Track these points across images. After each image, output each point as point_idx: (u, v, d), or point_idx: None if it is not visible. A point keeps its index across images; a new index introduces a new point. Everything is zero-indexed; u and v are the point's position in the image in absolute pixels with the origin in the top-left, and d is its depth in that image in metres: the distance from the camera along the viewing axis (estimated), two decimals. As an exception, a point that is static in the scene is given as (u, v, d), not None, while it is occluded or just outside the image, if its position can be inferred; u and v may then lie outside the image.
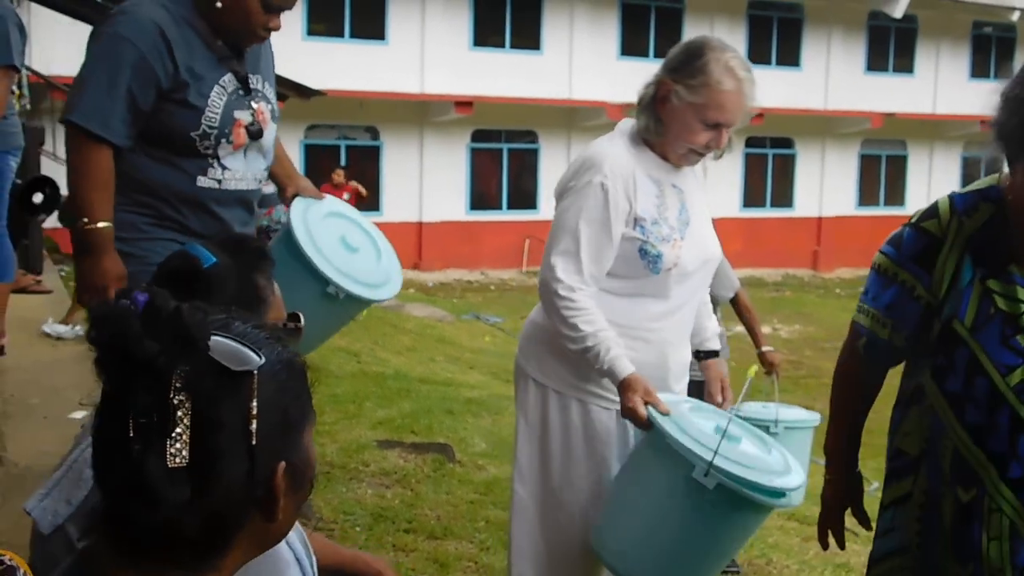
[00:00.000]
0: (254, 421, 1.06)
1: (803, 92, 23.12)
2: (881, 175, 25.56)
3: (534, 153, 21.60)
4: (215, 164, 2.85)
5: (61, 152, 11.83)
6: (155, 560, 1.07)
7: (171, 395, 1.01)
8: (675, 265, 2.72)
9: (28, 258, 6.92)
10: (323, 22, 19.21)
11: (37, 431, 4.02)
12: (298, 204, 3.13)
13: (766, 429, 4.01)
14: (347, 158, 19.50)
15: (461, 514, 4.68)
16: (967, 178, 25.43)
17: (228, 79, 2.86)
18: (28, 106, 4.99)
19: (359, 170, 19.51)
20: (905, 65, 24.85)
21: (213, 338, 1.05)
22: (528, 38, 20.86)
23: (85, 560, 1.11)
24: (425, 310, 13.49)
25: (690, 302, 2.87)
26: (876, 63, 24.52)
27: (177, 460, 1.01)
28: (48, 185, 5.62)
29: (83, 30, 11.74)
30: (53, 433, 3.99)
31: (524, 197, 21.60)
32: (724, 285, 4.76)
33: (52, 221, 7.54)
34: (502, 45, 20.66)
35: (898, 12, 22.99)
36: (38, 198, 5.51)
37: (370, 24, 19.51)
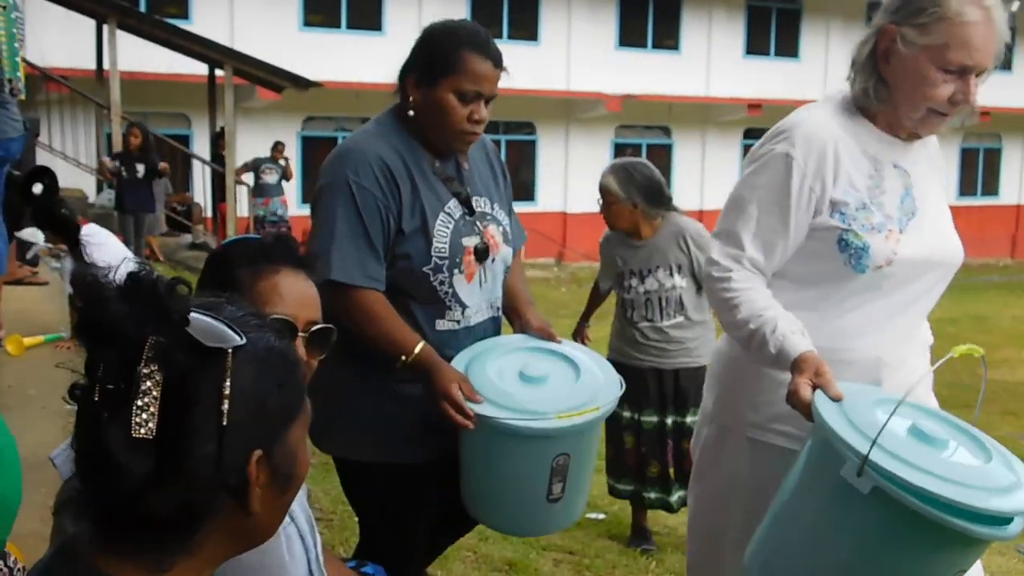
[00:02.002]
0: (226, 402, 1.04)
1: (802, 83, 23.09)
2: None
3: (532, 145, 21.57)
4: (452, 303, 2.64)
5: (57, 144, 11.83)
6: (129, 541, 1.06)
7: (141, 364, 1.00)
8: (889, 262, 2.19)
9: (23, 249, 6.88)
10: (319, 13, 19.15)
11: (35, 421, 3.99)
12: (461, 356, 2.64)
13: None
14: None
15: (462, 505, 4.66)
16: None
17: (452, 205, 2.66)
18: (23, 96, 4.89)
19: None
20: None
21: (192, 314, 1.04)
22: (525, 29, 20.81)
23: (68, 547, 1.10)
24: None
25: (912, 311, 2.31)
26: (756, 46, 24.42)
27: (142, 431, 0.99)
28: (47, 175, 5.58)
29: (76, 21, 11.64)
30: (51, 424, 3.96)
31: (522, 189, 21.56)
32: None
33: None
34: (499, 36, 20.60)
35: (896, 3, 22.98)
36: (38, 188, 5.47)
37: (367, 15, 19.45)
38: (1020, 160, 26.38)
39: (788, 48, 23.55)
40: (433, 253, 2.59)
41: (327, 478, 4.67)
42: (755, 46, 23.15)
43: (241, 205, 14.76)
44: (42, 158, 13.97)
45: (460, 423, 2.46)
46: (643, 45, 21.95)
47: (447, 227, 2.62)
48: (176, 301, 1.03)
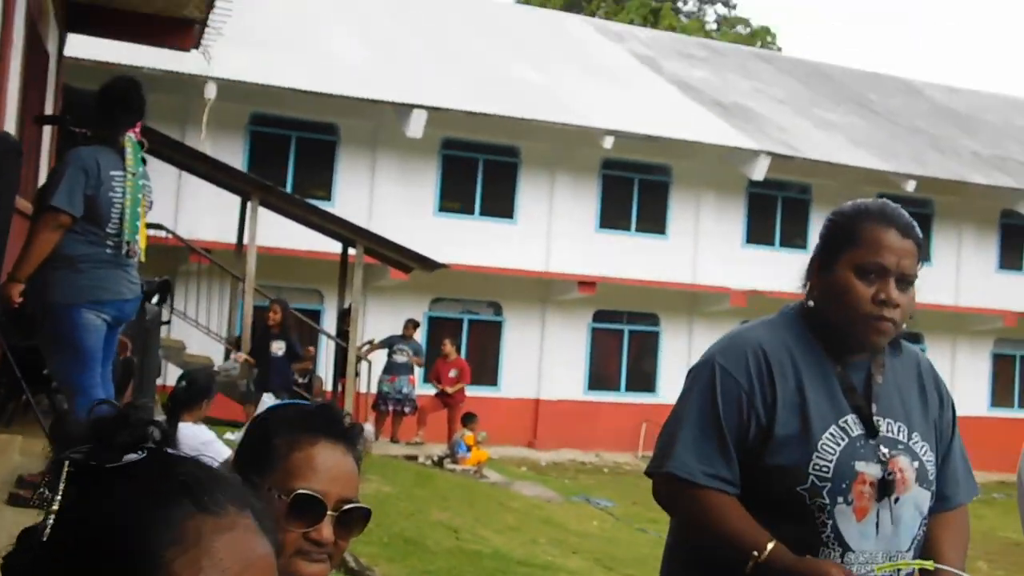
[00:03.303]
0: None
1: (934, 287, 22.62)
2: (1016, 374, 24.58)
3: (655, 336, 21.47)
4: (831, 541, 2.18)
5: (191, 311, 12.26)
6: None
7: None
8: None
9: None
10: (455, 199, 19.76)
11: None
12: None
13: None
14: (469, 332, 19.69)
15: None
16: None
17: (851, 420, 2.23)
18: (141, 259, 5.07)
19: (480, 344, 19.67)
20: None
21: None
22: (654, 222, 21.04)
23: None
24: (534, 489, 13.22)
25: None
26: (1008, 261, 23.93)
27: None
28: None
29: (225, 197, 12.33)
30: None
31: (643, 379, 21.36)
32: None
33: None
34: (628, 229, 20.86)
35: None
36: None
37: (500, 203, 19.97)
38: None
39: (920, 252, 23.16)
40: (812, 470, 2.16)
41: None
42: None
43: (364, 381, 14.97)
44: (176, 326, 14.55)
45: None
46: (771, 243, 21.91)
47: (837, 444, 2.19)
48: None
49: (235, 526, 0.93)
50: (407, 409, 15.12)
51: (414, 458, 13.99)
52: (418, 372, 16.42)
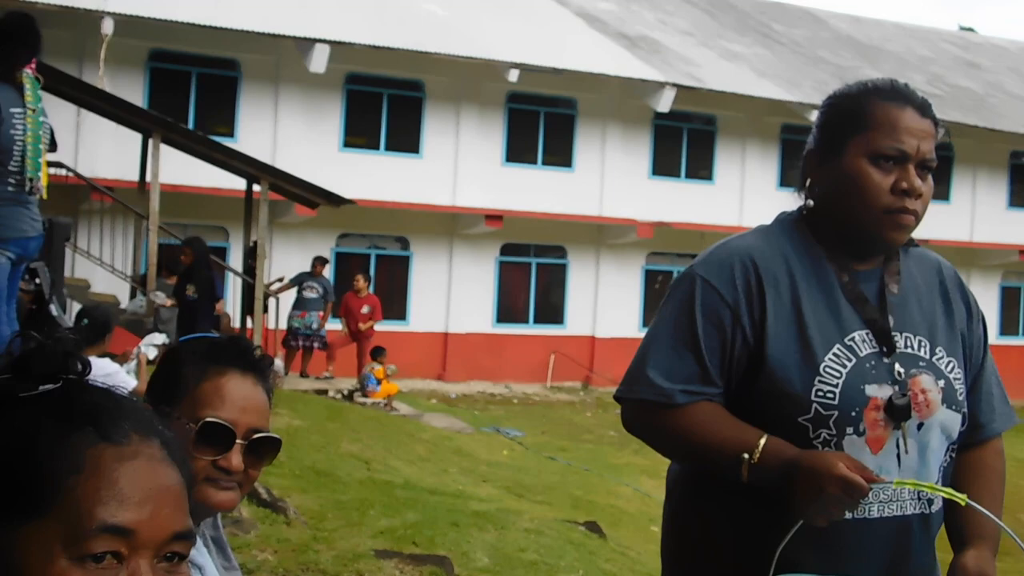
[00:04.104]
0: None
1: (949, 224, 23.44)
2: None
3: (562, 268, 21.71)
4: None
5: (95, 250, 12.18)
6: None
7: None
8: None
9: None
10: (360, 134, 19.61)
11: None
12: None
13: None
14: (377, 267, 19.70)
15: (453, 630, 4.57)
16: None
17: (861, 337, 1.95)
18: (44, 195, 5.04)
19: (388, 279, 19.69)
20: (941, 192, 24.94)
21: None
22: (560, 155, 21.17)
23: None
24: (444, 421, 13.41)
25: None
26: (1019, 199, 24.87)
27: None
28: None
29: (126, 135, 12.13)
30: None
31: (551, 312, 21.63)
32: None
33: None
34: (534, 162, 20.97)
35: (931, 141, 23.22)
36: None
37: (406, 138, 19.89)
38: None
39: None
40: (815, 398, 1.88)
41: None
42: (789, 178, 23.32)
43: (272, 318, 14.93)
44: (80, 264, 14.33)
45: (860, 486, 1.75)
46: (677, 174, 22.22)
47: (842, 365, 1.90)
48: None
49: (138, 455, 0.95)
50: (317, 345, 15.14)
51: (324, 392, 14.06)
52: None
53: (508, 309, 21.25)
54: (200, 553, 1.65)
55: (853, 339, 1.93)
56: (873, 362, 1.93)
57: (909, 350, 1.97)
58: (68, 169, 13.37)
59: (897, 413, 1.89)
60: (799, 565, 1.86)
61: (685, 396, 1.92)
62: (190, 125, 16.80)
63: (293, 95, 18.84)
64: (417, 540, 5.97)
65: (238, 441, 1.67)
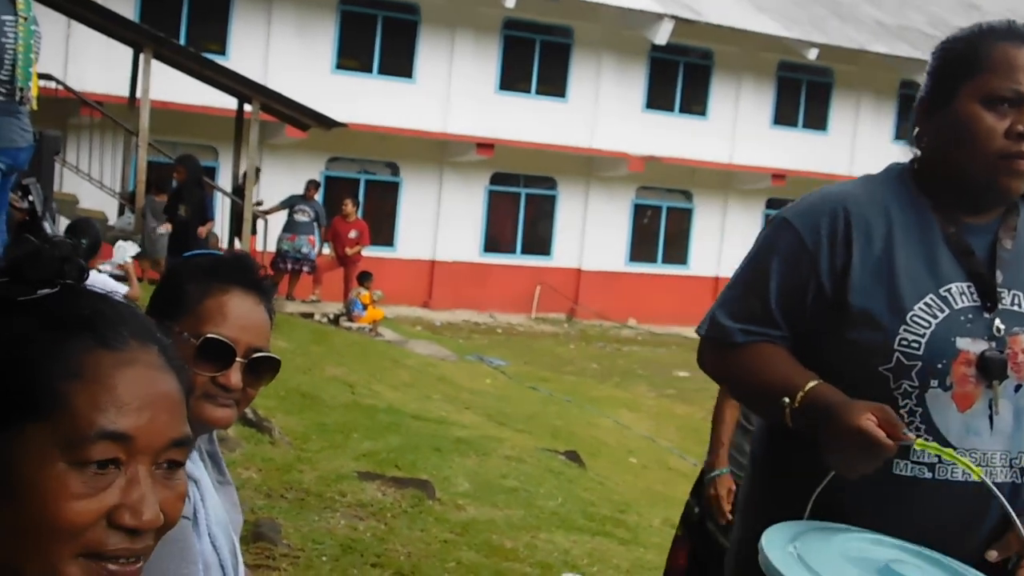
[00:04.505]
0: None
1: (828, 156, 23.20)
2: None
3: (552, 200, 21.70)
4: (922, 436, 1.78)
5: (84, 165, 12.13)
6: None
7: None
8: None
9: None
10: (352, 57, 19.43)
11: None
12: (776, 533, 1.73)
13: None
14: (366, 192, 19.64)
15: (433, 553, 4.68)
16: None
17: (958, 289, 1.85)
18: (34, 106, 4.99)
19: (377, 204, 19.65)
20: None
21: None
22: (554, 85, 21.03)
23: None
24: (429, 348, 13.50)
25: None
26: (905, 131, 24.50)
27: None
28: (90, 234, 5.67)
29: (116, 49, 11.95)
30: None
31: (539, 243, 21.66)
32: None
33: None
34: (528, 91, 20.84)
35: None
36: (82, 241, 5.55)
37: (399, 62, 19.72)
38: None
39: (816, 121, 23.66)
40: (898, 347, 1.81)
41: (299, 515, 4.71)
42: (783, 117, 23.29)
43: (263, 240, 14.92)
44: (68, 179, 14.25)
45: (885, 444, 1.66)
46: (671, 109, 22.12)
47: (933, 316, 1.82)
48: None
49: (136, 361, 0.94)
50: (306, 268, 15.16)
51: (310, 316, 14.12)
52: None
53: (495, 239, 21.27)
54: (196, 466, 1.67)
55: (949, 290, 1.84)
56: (970, 315, 1.83)
57: (1015, 308, 1.86)
58: (57, 82, 13.24)
59: (990, 370, 1.78)
60: (851, 516, 1.80)
61: (744, 336, 1.92)
62: (181, 41, 16.61)
63: (286, 14, 18.62)
64: (399, 464, 6.06)
65: (238, 359, 1.67)
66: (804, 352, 1.89)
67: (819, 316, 1.89)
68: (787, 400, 1.79)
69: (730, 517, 3.15)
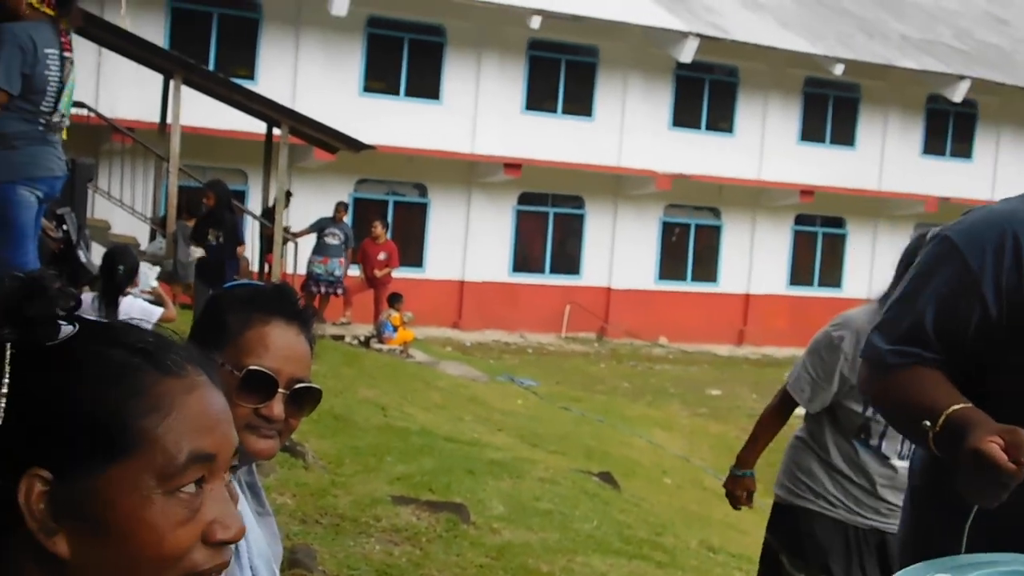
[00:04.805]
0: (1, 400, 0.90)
1: (857, 172, 23.07)
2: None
3: (580, 219, 21.67)
4: None
5: (115, 191, 12.18)
6: None
7: None
8: None
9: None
10: (380, 79, 19.53)
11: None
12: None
13: None
14: (394, 213, 19.69)
15: (469, 577, 4.64)
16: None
17: None
18: (64, 136, 5.07)
19: (405, 226, 19.69)
20: (963, 150, 24.70)
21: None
22: (580, 104, 21.04)
23: None
24: (459, 369, 13.48)
25: None
26: (933, 146, 24.41)
27: None
28: (127, 260, 5.69)
29: (147, 75, 12.00)
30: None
31: (568, 262, 21.63)
32: None
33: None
34: (554, 111, 20.86)
35: (958, 96, 22.91)
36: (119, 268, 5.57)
37: (426, 84, 19.80)
38: None
39: (844, 136, 23.55)
40: None
41: (335, 541, 4.68)
42: (810, 133, 23.19)
43: (293, 262, 14.97)
44: (100, 205, 14.37)
45: (1005, 468, 1.58)
46: (697, 126, 22.08)
47: None
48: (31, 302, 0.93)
49: (198, 384, 0.96)
50: (339, 291, 15.20)
51: (341, 338, 14.14)
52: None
53: (524, 258, 21.26)
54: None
55: None
56: None
57: None
58: (89, 109, 13.37)
59: None
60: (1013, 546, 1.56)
61: (896, 357, 1.87)
62: (211, 67, 16.76)
63: (314, 38, 18.75)
64: (433, 487, 6.03)
65: (280, 390, 1.67)
66: (966, 379, 1.81)
67: (983, 340, 1.82)
68: (928, 424, 1.72)
69: (739, 509, 3.53)
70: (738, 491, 3.44)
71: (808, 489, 3.21)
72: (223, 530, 0.94)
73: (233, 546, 0.98)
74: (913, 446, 2.96)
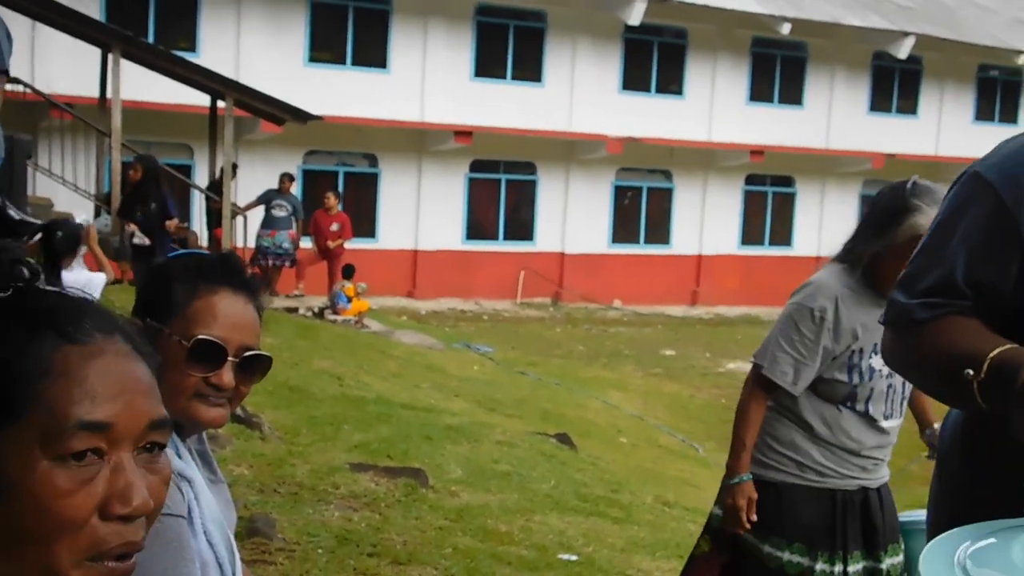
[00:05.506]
0: None
1: (805, 131, 23.22)
2: (881, 215, 25.57)
3: (532, 185, 21.65)
4: None
5: (56, 168, 11.97)
6: None
7: None
8: None
9: None
10: (325, 49, 19.32)
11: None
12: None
13: None
14: (345, 184, 19.55)
15: (428, 540, 4.65)
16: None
17: None
18: None
19: (356, 196, 19.56)
20: (909, 107, 24.93)
21: None
22: (529, 70, 20.96)
23: None
24: (415, 337, 13.46)
25: None
26: (879, 104, 24.60)
27: None
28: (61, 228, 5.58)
29: (83, 49, 11.80)
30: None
31: (521, 228, 21.62)
32: None
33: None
34: (503, 77, 20.77)
35: (902, 53, 23.10)
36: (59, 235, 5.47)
37: (372, 53, 19.62)
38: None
39: (792, 96, 23.68)
40: None
41: (293, 509, 4.67)
42: (759, 93, 23.29)
43: (243, 236, 14.83)
44: (42, 183, 14.11)
45: None
46: (647, 89, 22.08)
47: None
48: None
49: (104, 352, 0.94)
50: (287, 263, 15.08)
51: (294, 310, 14.06)
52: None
53: (478, 226, 21.22)
54: (188, 466, 1.67)
55: None
56: None
57: None
58: (25, 85, 13.09)
59: None
60: None
61: (925, 311, 1.64)
62: (150, 39, 16.47)
63: (257, 8, 18.48)
64: (391, 454, 6.03)
65: (230, 358, 1.68)
66: (1007, 332, 1.57)
67: (1018, 282, 1.61)
68: (971, 372, 1.49)
69: (748, 526, 3.03)
70: (740, 501, 3.00)
71: (792, 462, 3.05)
72: (121, 503, 0.91)
73: (144, 521, 0.94)
74: (903, 404, 3.10)
